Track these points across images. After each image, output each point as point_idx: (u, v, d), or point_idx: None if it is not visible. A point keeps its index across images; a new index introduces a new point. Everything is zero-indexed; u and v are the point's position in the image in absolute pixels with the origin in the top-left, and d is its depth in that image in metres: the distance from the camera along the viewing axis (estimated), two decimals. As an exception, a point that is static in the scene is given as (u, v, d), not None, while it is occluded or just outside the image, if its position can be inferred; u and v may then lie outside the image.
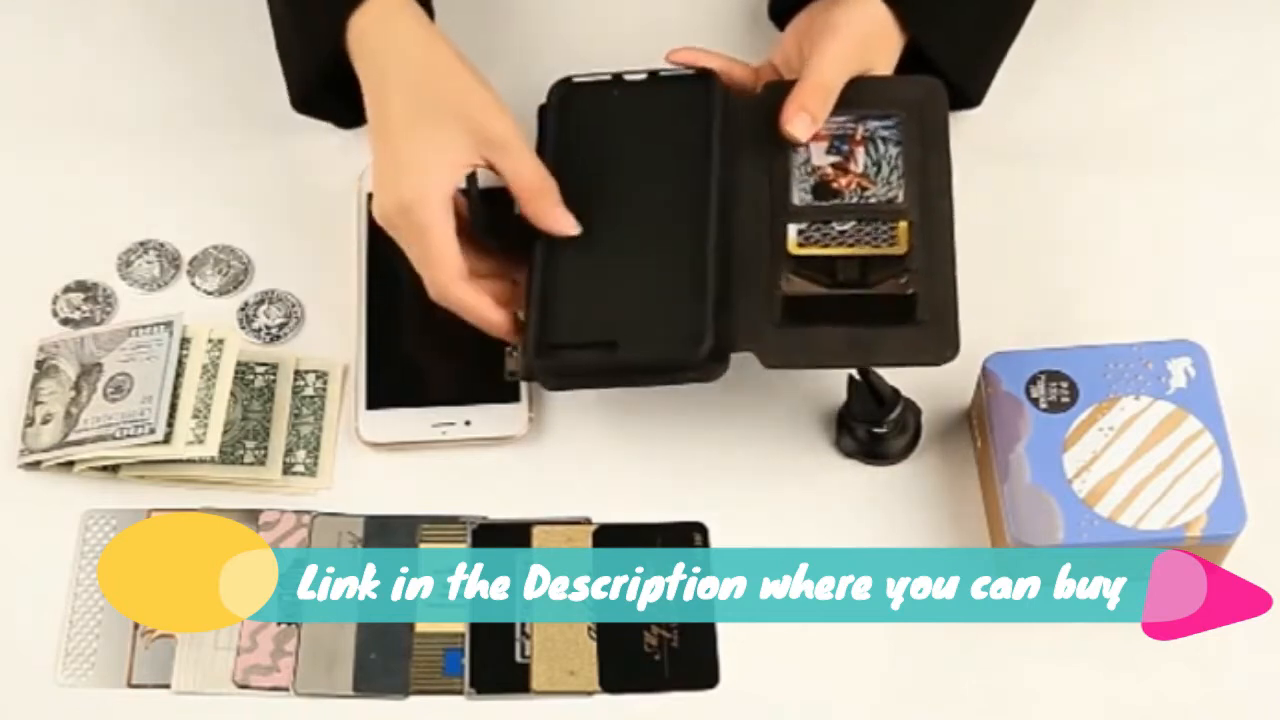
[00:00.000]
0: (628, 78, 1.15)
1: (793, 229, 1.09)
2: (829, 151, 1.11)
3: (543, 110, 1.14)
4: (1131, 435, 1.04)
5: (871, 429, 1.08)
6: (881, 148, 1.10)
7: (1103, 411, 1.05)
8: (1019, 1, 1.16)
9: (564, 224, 1.07)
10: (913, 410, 1.10)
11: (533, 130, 1.12)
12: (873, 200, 1.09)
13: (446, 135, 1.06)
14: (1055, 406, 1.05)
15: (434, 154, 1.06)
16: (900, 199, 1.08)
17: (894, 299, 1.05)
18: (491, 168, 1.07)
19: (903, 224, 1.07)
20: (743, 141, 1.12)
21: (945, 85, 1.12)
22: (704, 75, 1.14)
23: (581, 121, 1.13)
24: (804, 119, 1.09)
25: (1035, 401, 1.05)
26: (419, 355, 1.13)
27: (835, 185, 1.10)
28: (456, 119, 1.07)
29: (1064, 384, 1.06)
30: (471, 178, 1.07)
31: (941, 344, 1.03)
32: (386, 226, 1.07)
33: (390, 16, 1.09)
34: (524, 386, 1.11)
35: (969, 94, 1.17)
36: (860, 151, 1.11)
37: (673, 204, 1.10)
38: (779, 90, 1.12)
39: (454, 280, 1.06)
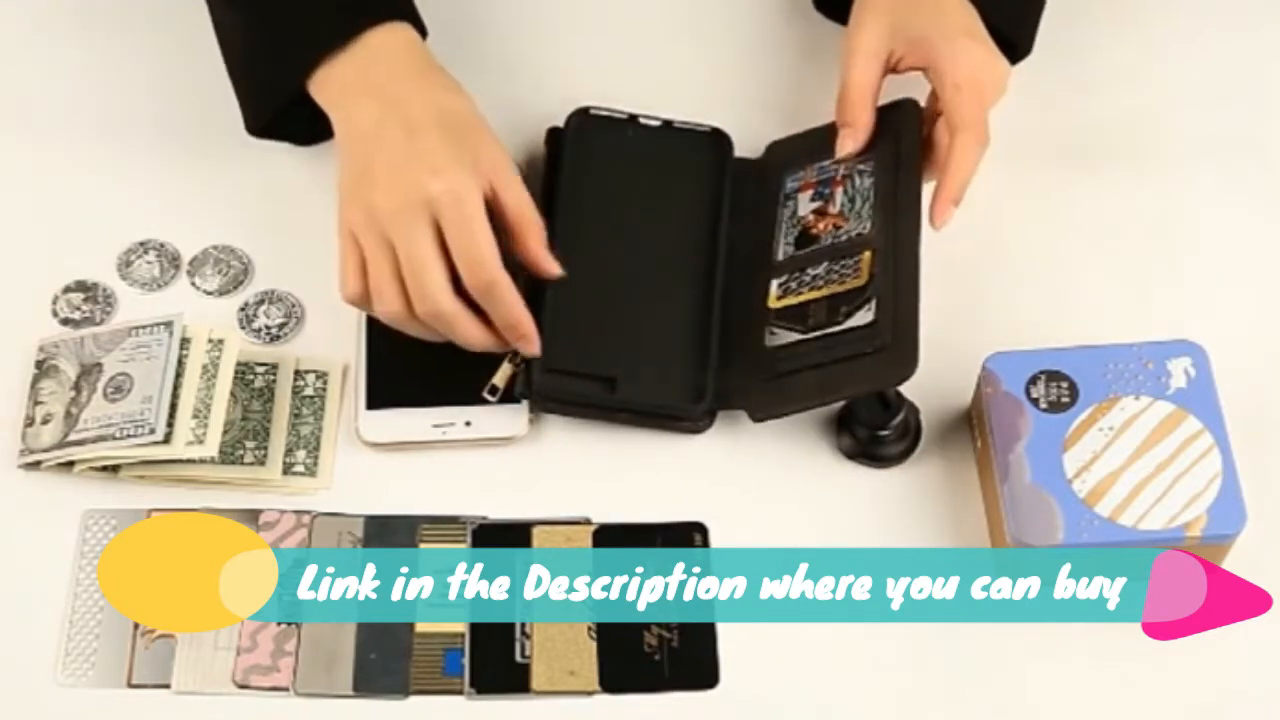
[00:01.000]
0: (643, 121, 1.17)
1: (774, 284, 1.11)
2: (813, 198, 1.13)
3: (556, 133, 1.16)
4: (1131, 435, 1.04)
5: (874, 432, 1.08)
6: (858, 182, 1.11)
7: (1103, 411, 1.05)
8: None
9: (550, 265, 1.08)
10: (913, 411, 1.10)
11: (522, 147, 1.15)
12: (844, 238, 1.10)
13: (464, 148, 1.07)
14: (1055, 406, 1.05)
15: (466, 157, 1.06)
16: (868, 230, 1.09)
17: (854, 330, 1.06)
18: (494, 194, 1.07)
19: (866, 254, 1.08)
20: (745, 202, 1.15)
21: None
22: (717, 133, 1.16)
23: (596, 153, 1.15)
24: (844, 135, 1.12)
25: (1035, 401, 1.05)
26: (419, 355, 1.12)
27: (814, 231, 1.11)
28: (471, 137, 1.07)
29: (1064, 384, 1.06)
30: None
31: (900, 364, 1.04)
32: (411, 217, 1.04)
33: (400, 36, 1.11)
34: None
35: (1018, 42, 1.17)
36: (839, 191, 1.12)
37: (680, 255, 1.13)
38: (780, 151, 1.16)
39: (498, 265, 1.06)
